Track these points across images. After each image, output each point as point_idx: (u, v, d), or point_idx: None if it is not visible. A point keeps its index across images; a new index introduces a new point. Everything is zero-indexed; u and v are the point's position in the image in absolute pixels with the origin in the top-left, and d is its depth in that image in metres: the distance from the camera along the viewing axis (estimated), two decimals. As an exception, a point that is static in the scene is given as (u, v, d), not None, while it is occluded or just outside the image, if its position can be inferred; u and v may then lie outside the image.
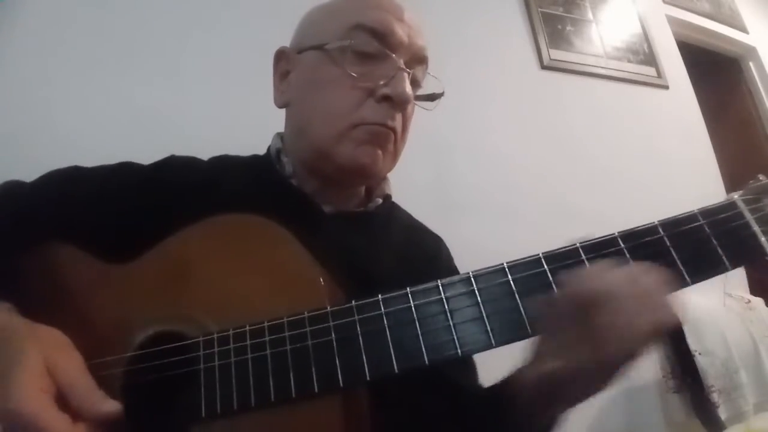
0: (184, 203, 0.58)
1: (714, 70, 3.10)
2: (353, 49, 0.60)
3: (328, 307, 0.43)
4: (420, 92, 0.67)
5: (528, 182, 1.84)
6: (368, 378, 0.41)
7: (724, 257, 0.40)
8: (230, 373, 0.42)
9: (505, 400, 0.49)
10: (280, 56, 0.69)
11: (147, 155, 0.68)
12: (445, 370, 0.60)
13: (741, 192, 0.42)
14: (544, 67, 2.07)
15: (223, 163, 0.70)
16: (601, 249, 0.41)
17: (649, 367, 1.65)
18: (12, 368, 0.38)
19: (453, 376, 0.62)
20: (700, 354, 1.54)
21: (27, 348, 0.40)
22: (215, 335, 0.44)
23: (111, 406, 0.40)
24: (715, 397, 1.49)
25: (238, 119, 1.30)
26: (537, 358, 0.45)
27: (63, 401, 0.39)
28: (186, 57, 1.42)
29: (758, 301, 1.80)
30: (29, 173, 0.64)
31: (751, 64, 3.09)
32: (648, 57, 2.42)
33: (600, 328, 0.38)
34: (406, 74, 0.60)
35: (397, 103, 0.59)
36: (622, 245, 0.41)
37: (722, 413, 1.48)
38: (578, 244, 0.41)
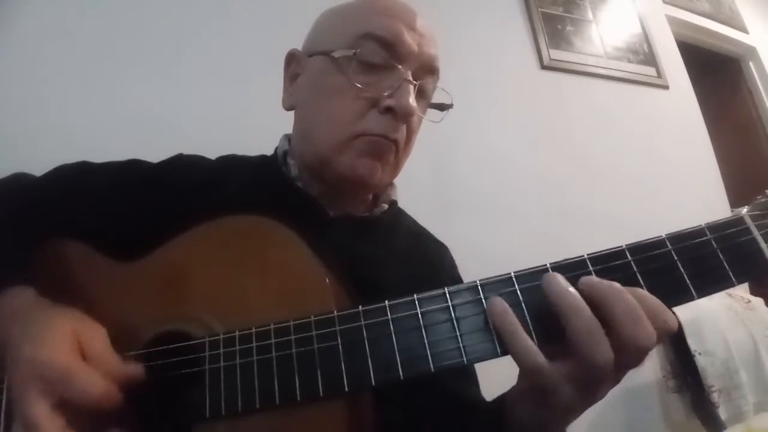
0: (190, 202, 0.58)
1: (714, 70, 3.10)
2: (359, 58, 0.59)
3: (335, 312, 0.43)
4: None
5: (528, 182, 1.84)
6: (373, 383, 0.41)
7: (730, 272, 0.40)
8: (235, 374, 0.42)
9: (503, 416, 0.49)
10: (291, 58, 0.69)
11: (150, 156, 0.69)
12: (446, 380, 0.60)
13: (748, 207, 0.42)
14: (544, 67, 2.07)
15: (230, 163, 0.70)
16: (608, 261, 0.41)
17: (649, 367, 1.66)
18: (44, 330, 0.41)
19: (454, 387, 0.62)
20: (700, 354, 1.54)
21: (58, 317, 0.43)
22: (221, 336, 0.44)
23: (135, 368, 0.43)
24: (715, 397, 1.50)
25: (246, 120, 1.30)
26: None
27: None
28: (192, 56, 1.41)
29: (758, 301, 1.80)
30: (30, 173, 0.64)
31: (751, 64, 3.10)
32: (648, 57, 2.42)
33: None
34: (411, 86, 0.59)
35: (400, 116, 0.59)
36: (630, 258, 0.41)
37: (722, 413, 1.49)
38: (586, 256, 0.42)
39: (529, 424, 0.45)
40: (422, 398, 0.60)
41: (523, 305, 0.41)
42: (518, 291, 0.41)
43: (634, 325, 0.36)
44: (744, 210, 0.42)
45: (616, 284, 0.38)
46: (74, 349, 0.41)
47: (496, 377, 0.67)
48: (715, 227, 0.42)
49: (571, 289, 0.38)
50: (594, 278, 0.39)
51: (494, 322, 0.40)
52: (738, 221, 0.41)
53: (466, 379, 0.67)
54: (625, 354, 0.37)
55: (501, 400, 0.52)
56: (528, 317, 0.40)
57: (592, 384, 0.39)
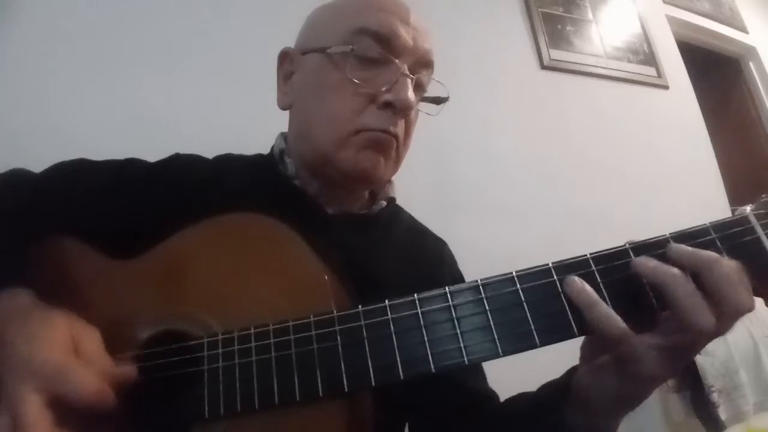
0: (187, 201, 0.58)
1: (714, 70, 3.11)
2: (356, 54, 0.59)
3: (335, 312, 0.43)
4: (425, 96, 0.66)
5: (528, 182, 1.84)
6: (373, 384, 0.40)
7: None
8: (234, 374, 0.42)
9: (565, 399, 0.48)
10: (284, 57, 0.69)
11: (149, 154, 0.68)
12: (457, 374, 0.60)
13: (752, 206, 0.42)
14: (544, 67, 2.07)
15: (227, 162, 0.70)
16: (611, 260, 0.41)
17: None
18: (40, 329, 0.41)
19: (462, 379, 0.62)
20: (699, 354, 1.54)
21: (54, 317, 0.43)
22: (220, 336, 0.44)
23: (128, 369, 0.43)
24: (715, 397, 1.49)
25: (242, 118, 1.30)
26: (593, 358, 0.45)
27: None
28: (189, 55, 1.42)
29: (758, 301, 1.80)
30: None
31: (751, 64, 3.10)
32: (648, 57, 2.42)
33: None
34: (408, 80, 0.59)
35: (399, 110, 0.59)
36: (633, 257, 0.41)
37: (722, 413, 1.48)
38: (588, 255, 0.41)
39: (606, 400, 0.45)
40: (434, 395, 0.60)
41: (525, 305, 0.40)
42: (520, 291, 0.41)
43: (735, 291, 0.38)
44: (748, 209, 0.42)
45: (711, 252, 0.39)
46: (69, 348, 0.40)
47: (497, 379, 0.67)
48: (720, 226, 0.41)
49: (667, 265, 0.39)
50: (688, 248, 0.40)
51: (573, 298, 0.40)
52: (742, 220, 0.41)
53: (472, 374, 0.66)
54: (723, 319, 0.38)
55: (560, 383, 0.50)
56: (529, 315, 0.40)
57: (684, 350, 0.40)
